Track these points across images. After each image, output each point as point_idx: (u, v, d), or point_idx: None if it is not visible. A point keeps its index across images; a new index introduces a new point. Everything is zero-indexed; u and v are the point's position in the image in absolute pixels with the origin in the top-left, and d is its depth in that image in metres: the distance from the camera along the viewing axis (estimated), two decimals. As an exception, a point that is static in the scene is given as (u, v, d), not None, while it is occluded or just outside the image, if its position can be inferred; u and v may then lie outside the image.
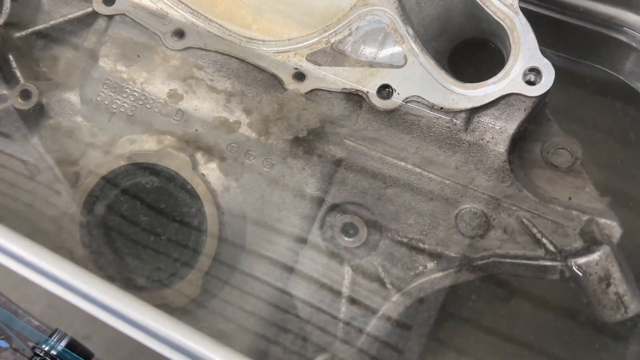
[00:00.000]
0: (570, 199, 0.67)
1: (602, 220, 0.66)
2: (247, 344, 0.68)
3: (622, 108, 0.81)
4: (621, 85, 0.81)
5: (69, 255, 0.70)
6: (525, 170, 0.73)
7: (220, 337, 0.68)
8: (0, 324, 1.08)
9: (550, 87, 0.69)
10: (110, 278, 0.71)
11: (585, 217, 0.67)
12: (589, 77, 0.82)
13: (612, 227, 0.66)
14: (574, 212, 0.67)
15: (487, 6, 0.72)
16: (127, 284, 0.71)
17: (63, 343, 0.93)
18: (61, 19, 0.83)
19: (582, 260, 0.61)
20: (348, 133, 0.74)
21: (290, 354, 0.67)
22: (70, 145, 0.77)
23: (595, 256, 0.61)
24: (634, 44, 0.82)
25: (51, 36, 0.83)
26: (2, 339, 1.20)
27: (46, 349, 0.94)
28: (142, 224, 0.72)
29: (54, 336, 0.94)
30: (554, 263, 0.63)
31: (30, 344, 1.03)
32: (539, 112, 0.73)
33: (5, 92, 0.79)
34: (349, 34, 0.77)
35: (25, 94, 0.78)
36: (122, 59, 0.80)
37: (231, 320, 0.69)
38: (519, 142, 0.73)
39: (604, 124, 0.79)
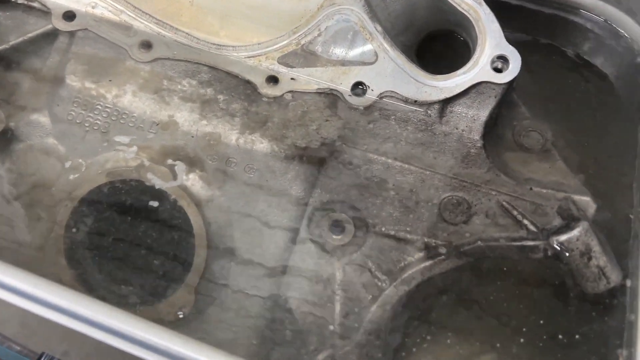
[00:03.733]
0: (531, 184, 0.70)
1: (576, 197, 0.70)
2: (245, 350, 0.68)
3: (586, 87, 0.84)
4: (584, 65, 0.85)
5: (57, 279, 0.68)
6: (499, 154, 0.76)
7: (217, 346, 0.69)
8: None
9: (518, 73, 0.72)
10: (101, 298, 0.70)
11: (561, 195, 0.70)
12: (551, 59, 0.86)
13: (587, 203, 0.69)
14: (549, 191, 0.70)
15: (451, -1, 0.74)
16: (119, 301, 0.70)
17: (51, 367, 0.91)
18: (20, 39, 0.81)
19: (563, 237, 0.64)
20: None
21: (289, 356, 0.67)
22: (45, 167, 0.75)
23: (575, 232, 0.64)
24: (588, 26, 0.86)
25: (12, 57, 0.81)
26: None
27: (34, 375, 0.92)
28: (128, 241, 0.71)
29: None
30: (537, 242, 0.66)
31: (17, 372, 1.00)
32: (507, 98, 0.76)
33: (-30, 118, 0.77)
34: (319, 35, 0.77)
35: (-8, 119, 0.76)
36: (89, 75, 0.78)
37: (227, 329, 0.70)
38: (491, 128, 0.76)
39: (570, 104, 0.83)
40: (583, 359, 0.62)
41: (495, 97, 0.73)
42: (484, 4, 0.73)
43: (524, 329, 0.64)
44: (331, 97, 0.76)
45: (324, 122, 0.76)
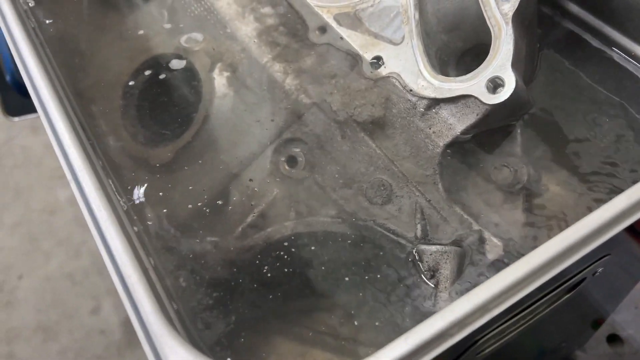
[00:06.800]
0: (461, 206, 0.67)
1: (488, 235, 0.66)
2: (185, 214, 0.83)
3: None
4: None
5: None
6: (461, 172, 0.75)
7: (170, 199, 0.85)
8: None
9: (507, 100, 0.69)
10: (128, 131, 0.92)
11: (477, 227, 0.67)
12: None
13: (495, 246, 0.65)
14: (471, 219, 0.68)
15: (485, 10, 0.74)
16: (133, 139, 0.91)
17: None
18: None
19: (422, 246, 0.63)
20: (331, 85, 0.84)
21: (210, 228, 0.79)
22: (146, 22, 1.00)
23: (433, 247, 0.62)
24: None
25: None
26: None
27: None
28: (153, 100, 0.91)
29: None
30: (407, 243, 0.66)
31: None
32: (495, 122, 0.73)
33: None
34: (371, 5, 0.85)
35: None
36: (211, -22, 1.00)
37: (183, 193, 0.85)
38: (476, 147, 0.75)
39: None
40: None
41: (477, 115, 0.72)
42: (510, 24, 0.71)
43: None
44: (353, 61, 0.84)
45: (361, 103, 0.83)
